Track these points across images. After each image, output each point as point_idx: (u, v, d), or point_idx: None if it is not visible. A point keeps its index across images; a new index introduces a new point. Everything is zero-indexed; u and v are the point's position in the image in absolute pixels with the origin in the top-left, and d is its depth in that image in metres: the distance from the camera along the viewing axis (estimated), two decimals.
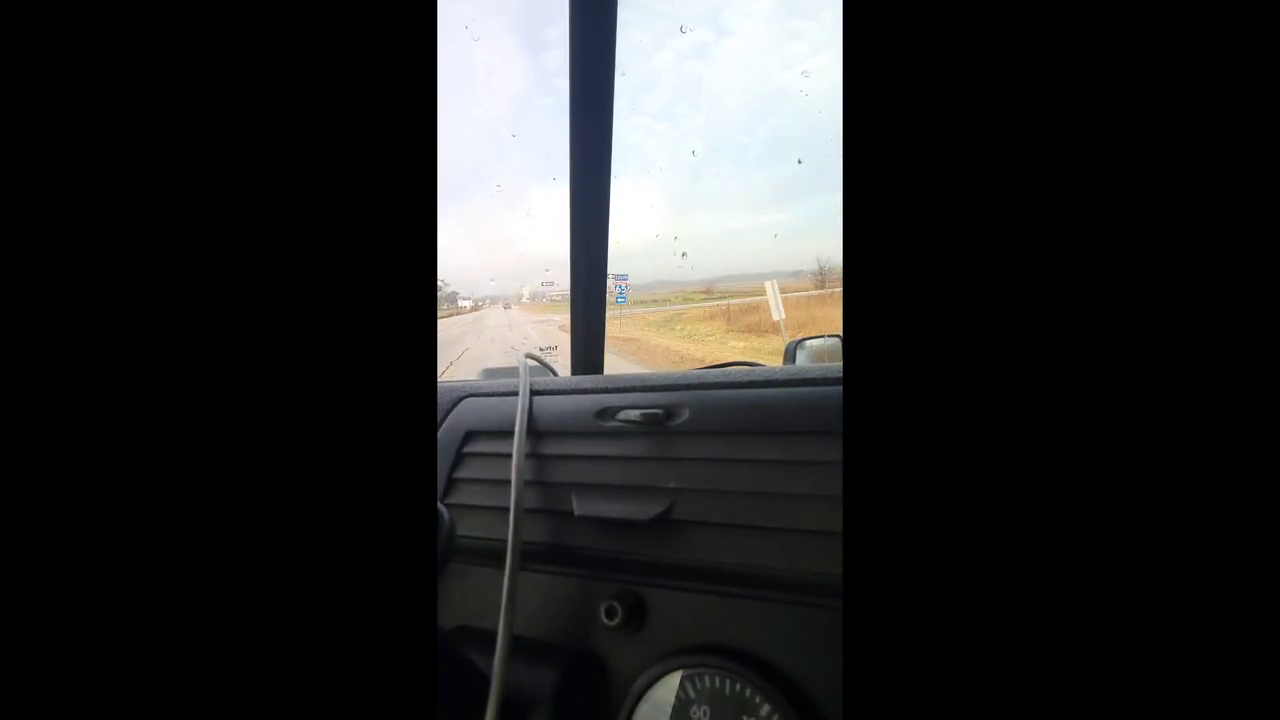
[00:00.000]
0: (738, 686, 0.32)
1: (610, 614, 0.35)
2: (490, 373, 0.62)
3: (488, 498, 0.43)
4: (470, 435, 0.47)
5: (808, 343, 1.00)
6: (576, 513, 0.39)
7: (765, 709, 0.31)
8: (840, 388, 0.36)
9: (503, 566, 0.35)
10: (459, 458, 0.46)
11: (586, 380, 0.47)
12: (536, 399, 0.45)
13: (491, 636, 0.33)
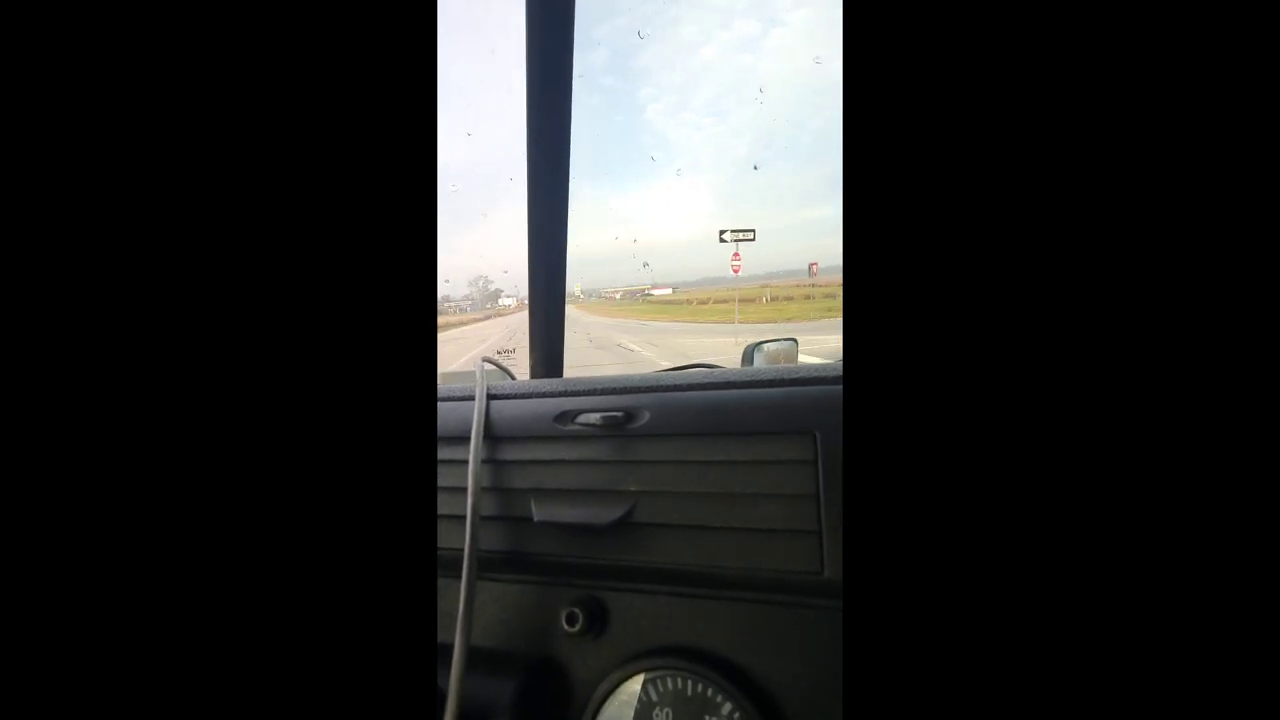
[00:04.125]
0: (699, 687, 0.32)
1: (571, 620, 0.35)
2: (447, 377, 0.61)
3: (443, 505, 0.42)
4: None
5: (764, 345, 1.02)
6: (535, 518, 0.38)
7: (726, 708, 0.31)
8: (796, 389, 0.36)
9: (459, 576, 0.34)
10: None
11: (545, 384, 0.46)
12: (494, 403, 0.44)
13: (448, 650, 0.32)
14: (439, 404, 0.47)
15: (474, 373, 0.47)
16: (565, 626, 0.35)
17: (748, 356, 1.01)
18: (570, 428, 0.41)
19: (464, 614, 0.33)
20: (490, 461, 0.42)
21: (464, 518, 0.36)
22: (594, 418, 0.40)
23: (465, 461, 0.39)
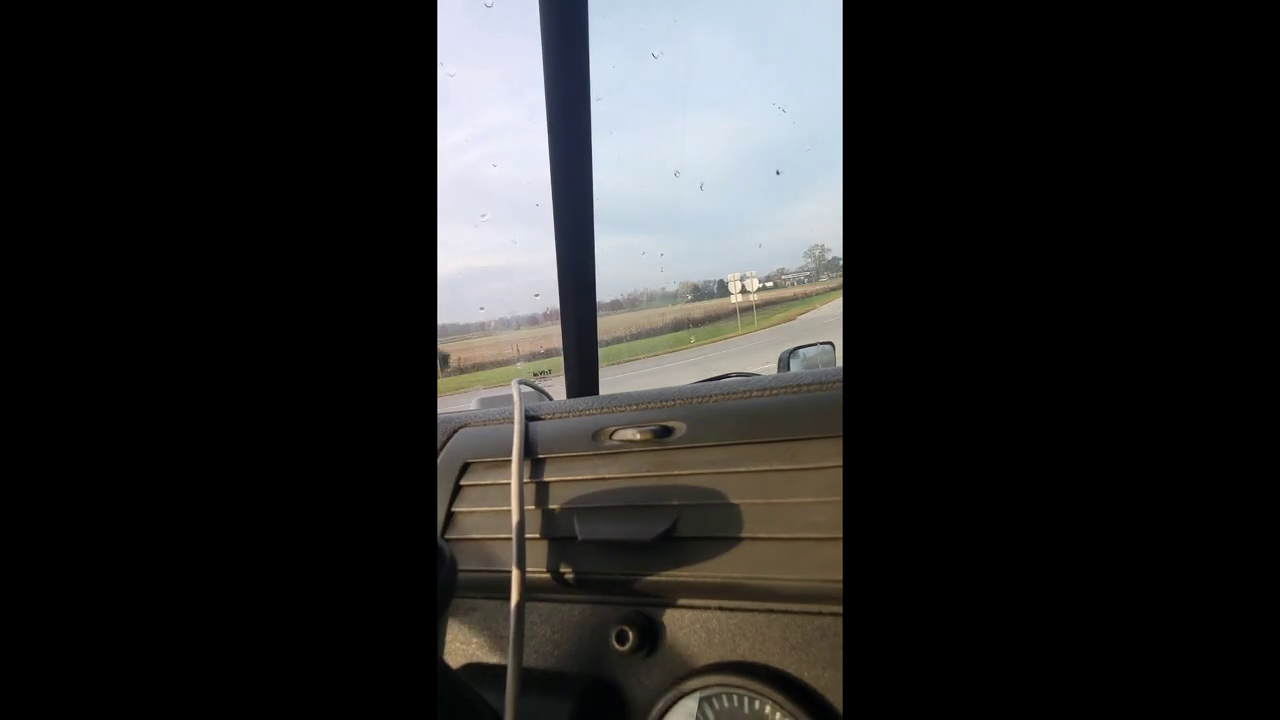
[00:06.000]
0: (756, 704, 0.31)
1: (621, 639, 0.35)
2: (485, 401, 0.62)
3: (489, 529, 0.42)
4: (467, 467, 0.46)
5: (801, 351, 1.01)
6: (579, 537, 0.38)
7: None
8: (836, 391, 0.36)
9: (509, 598, 0.34)
10: (457, 490, 0.45)
11: (582, 402, 0.46)
12: (533, 424, 0.45)
13: (502, 671, 0.32)
14: (478, 428, 0.48)
15: (511, 394, 0.48)
16: (616, 645, 0.35)
17: (784, 362, 1.00)
18: (609, 444, 0.41)
19: (515, 635, 0.33)
20: (532, 482, 0.42)
21: (510, 540, 0.36)
22: (632, 433, 0.40)
23: (508, 484, 0.39)
